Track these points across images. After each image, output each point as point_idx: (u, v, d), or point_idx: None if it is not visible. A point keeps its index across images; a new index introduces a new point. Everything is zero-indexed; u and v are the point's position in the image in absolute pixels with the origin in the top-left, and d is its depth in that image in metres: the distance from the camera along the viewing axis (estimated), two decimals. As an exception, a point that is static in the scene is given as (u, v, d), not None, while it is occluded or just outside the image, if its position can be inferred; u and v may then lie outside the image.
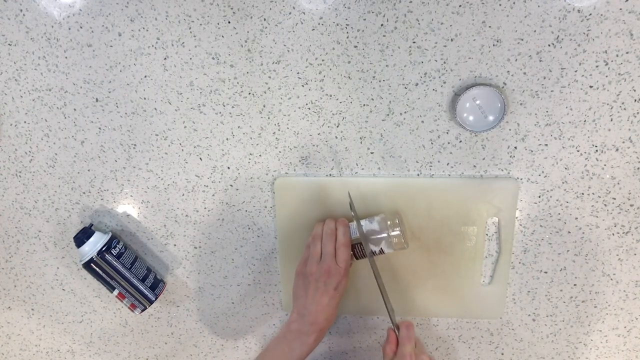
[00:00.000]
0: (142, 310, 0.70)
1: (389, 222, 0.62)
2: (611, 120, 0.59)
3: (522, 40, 0.56)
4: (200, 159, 0.67)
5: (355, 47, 0.59)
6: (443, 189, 0.64)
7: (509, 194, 0.63)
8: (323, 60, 0.60)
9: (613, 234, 0.64)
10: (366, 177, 0.65)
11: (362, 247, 0.62)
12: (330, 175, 0.66)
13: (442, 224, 0.65)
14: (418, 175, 0.64)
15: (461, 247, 0.66)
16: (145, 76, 0.64)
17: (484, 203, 0.63)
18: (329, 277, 0.60)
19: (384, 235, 0.61)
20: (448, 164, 0.64)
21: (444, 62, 0.59)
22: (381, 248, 0.62)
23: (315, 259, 0.62)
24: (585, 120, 0.59)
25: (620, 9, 0.54)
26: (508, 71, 0.58)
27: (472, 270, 0.67)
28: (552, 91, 0.58)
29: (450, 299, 0.69)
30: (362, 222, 0.63)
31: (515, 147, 0.61)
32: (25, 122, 0.68)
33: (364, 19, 0.58)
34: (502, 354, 0.73)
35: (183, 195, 0.70)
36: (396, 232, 0.61)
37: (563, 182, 0.62)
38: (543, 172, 0.62)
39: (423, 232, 0.66)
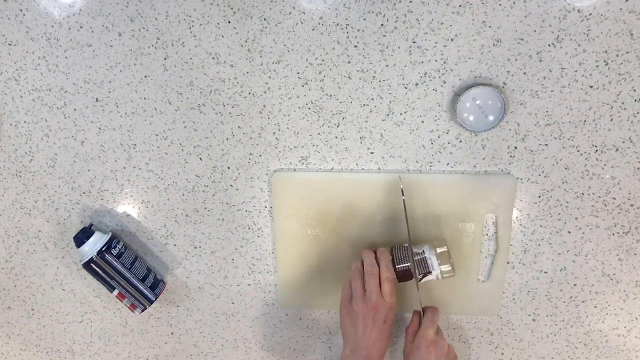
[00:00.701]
0: (142, 310, 0.70)
1: (438, 257, 0.61)
2: (611, 120, 0.59)
3: (522, 40, 0.56)
4: (200, 159, 0.67)
5: (355, 47, 0.59)
6: (440, 186, 0.64)
7: (507, 191, 0.63)
8: (323, 60, 0.60)
9: (613, 234, 0.64)
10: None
11: (406, 271, 0.62)
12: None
13: (439, 221, 0.65)
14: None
15: (458, 244, 0.66)
16: (145, 76, 0.64)
17: (482, 199, 0.63)
18: (376, 313, 0.60)
19: (434, 271, 0.61)
20: (448, 163, 0.63)
21: (444, 62, 0.59)
22: (428, 276, 0.62)
23: (359, 296, 0.61)
24: (585, 120, 0.59)
25: (620, 9, 0.54)
26: (508, 71, 0.58)
27: (469, 267, 0.67)
28: (552, 91, 0.58)
29: (447, 295, 0.69)
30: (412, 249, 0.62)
31: (515, 147, 0.61)
32: (25, 122, 0.68)
33: (364, 19, 0.58)
34: (502, 354, 0.73)
35: (183, 195, 0.70)
36: (447, 268, 0.61)
37: (563, 182, 0.62)
38: (543, 172, 0.62)
39: (421, 229, 0.66)
